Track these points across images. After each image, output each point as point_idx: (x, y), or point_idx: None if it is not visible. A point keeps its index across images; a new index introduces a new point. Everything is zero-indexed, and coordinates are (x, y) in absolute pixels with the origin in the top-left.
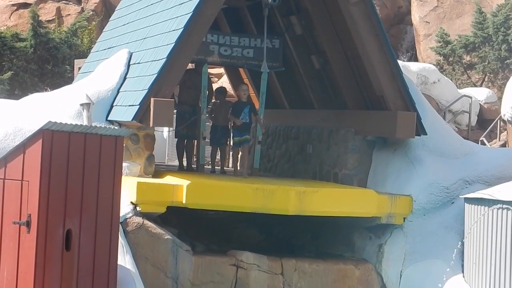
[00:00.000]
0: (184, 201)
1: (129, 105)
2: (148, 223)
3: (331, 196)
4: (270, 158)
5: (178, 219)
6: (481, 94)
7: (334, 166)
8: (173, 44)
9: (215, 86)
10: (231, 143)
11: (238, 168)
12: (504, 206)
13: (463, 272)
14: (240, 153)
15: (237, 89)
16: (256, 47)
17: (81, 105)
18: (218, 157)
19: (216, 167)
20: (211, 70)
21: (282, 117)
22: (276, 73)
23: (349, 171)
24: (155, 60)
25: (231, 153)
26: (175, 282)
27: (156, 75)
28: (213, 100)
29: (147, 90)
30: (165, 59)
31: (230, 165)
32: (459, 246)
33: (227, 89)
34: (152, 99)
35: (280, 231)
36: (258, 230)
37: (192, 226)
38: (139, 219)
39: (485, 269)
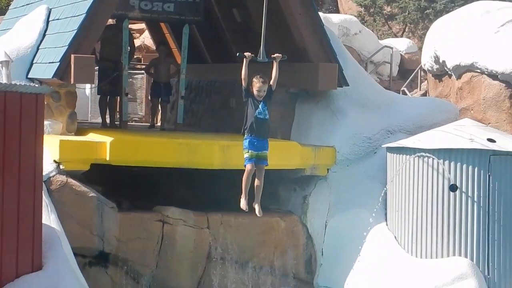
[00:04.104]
0: (107, 158)
1: (49, 62)
2: (72, 181)
3: None
4: (194, 113)
5: (103, 177)
6: (401, 44)
7: None
8: None
9: (136, 42)
10: (246, 155)
11: None
12: (425, 154)
13: (386, 220)
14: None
15: (251, 86)
16: (176, 1)
17: (0, 62)
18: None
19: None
20: (132, 26)
21: (204, 72)
22: (197, 27)
23: (272, 123)
24: (74, 16)
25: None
26: (101, 240)
27: (75, 31)
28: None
29: (67, 47)
30: (84, 14)
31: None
32: (382, 195)
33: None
34: (72, 56)
35: (206, 186)
36: (184, 185)
37: (117, 183)
38: (62, 178)
39: (407, 217)
